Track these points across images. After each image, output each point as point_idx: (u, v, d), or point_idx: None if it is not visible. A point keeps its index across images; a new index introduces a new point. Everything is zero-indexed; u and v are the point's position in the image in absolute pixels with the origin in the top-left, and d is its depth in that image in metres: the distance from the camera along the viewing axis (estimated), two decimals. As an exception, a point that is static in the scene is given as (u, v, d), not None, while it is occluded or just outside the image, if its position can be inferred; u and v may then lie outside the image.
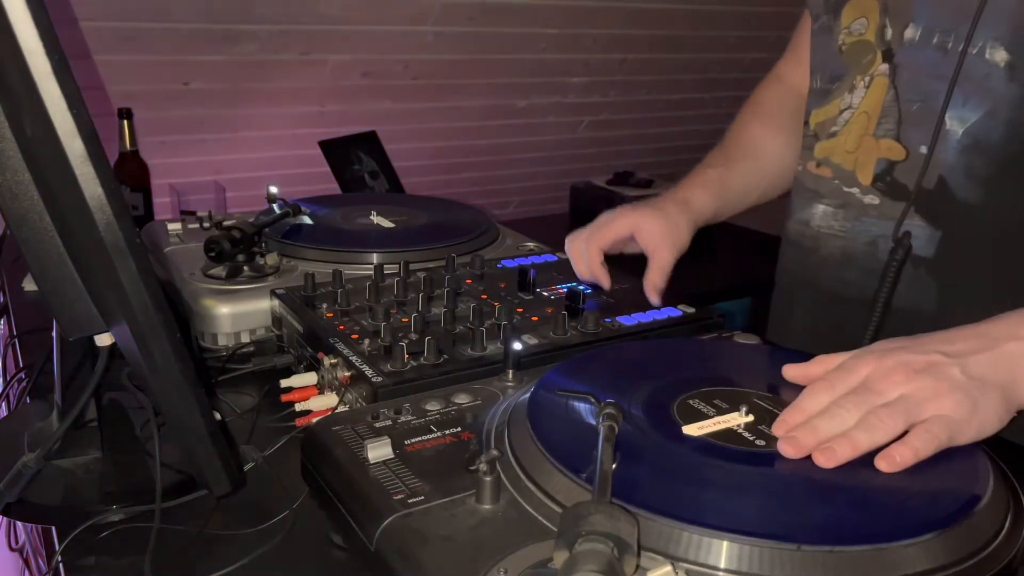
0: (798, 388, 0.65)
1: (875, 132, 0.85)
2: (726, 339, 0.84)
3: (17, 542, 0.85)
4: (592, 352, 0.77)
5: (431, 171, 2.45)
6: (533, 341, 0.82)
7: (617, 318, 0.88)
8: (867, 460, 0.56)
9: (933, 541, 0.49)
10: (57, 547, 0.63)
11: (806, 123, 0.96)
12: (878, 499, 0.53)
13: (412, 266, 0.99)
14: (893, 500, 0.53)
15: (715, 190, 1.01)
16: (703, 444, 0.58)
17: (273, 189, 1.17)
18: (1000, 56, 0.75)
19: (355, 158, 1.91)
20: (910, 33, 0.81)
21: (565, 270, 1.04)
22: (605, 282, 0.94)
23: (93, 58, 1.77)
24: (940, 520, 0.50)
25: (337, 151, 1.89)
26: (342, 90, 2.15)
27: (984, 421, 0.58)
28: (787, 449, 0.56)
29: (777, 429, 0.59)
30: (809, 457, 0.56)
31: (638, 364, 0.73)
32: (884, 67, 0.84)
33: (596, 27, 2.33)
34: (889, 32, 0.83)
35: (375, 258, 1.05)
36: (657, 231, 0.93)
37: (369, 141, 1.96)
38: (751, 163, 1.04)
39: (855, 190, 0.87)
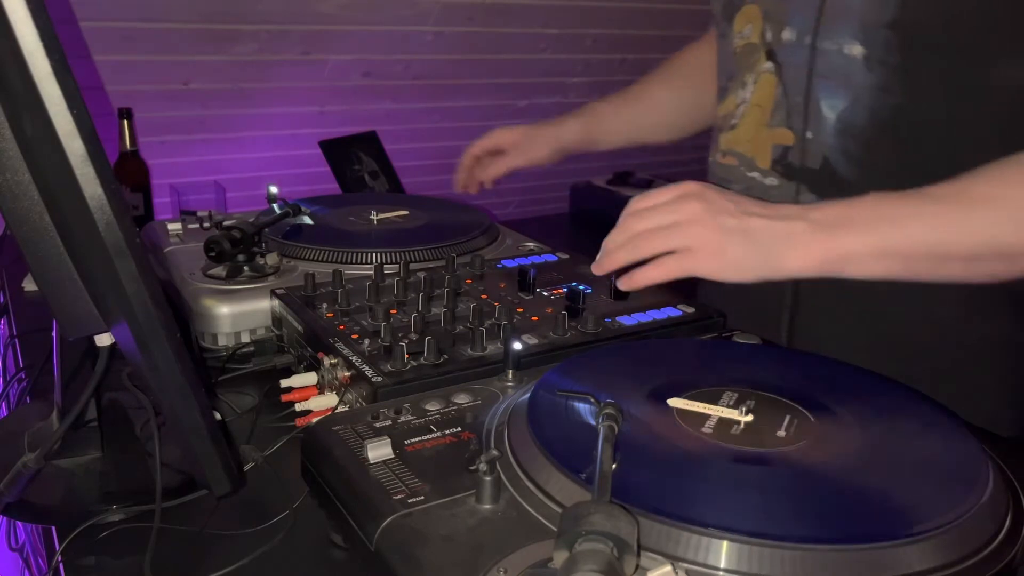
0: (798, 388, 0.65)
1: (770, 122, 0.96)
2: (726, 339, 0.84)
3: (17, 542, 0.85)
4: (592, 352, 0.77)
5: (431, 171, 2.45)
6: (533, 341, 0.82)
7: (617, 318, 0.88)
8: (868, 460, 0.56)
9: (933, 541, 0.49)
10: (57, 547, 0.63)
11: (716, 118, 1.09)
12: (878, 499, 0.53)
13: (412, 266, 0.99)
14: (893, 500, 0.53)
15: (586, 119, 1.24)
16: (703, 444, 0.58)
17: (273, 189, 1.17)
18: (857, 51, 0.86)
19: (355, 158, 1.91)
20: (787, 35, 0.92)
21: (565, 270, 1.04)
22: (473, 186, 1.16)
23: (93, 58, 1.77)
24: (940, 520, 0.50)
25: (337, 151, 1.89)
26: (342, 90, 2.15)
27: (726, 268, 0.76)
28: (595, 268, 0.82)
29: (601, 252, 0.82)
30: (807, 457, 0.57)
31: (638, 364, 0.73)
32: (769, 65, 0.95)
33: (596, 27, 2.33)
34: (770, 35, 0.95)
35: (375, 258, 1.05)
36: (511, 139, 1.19)
37: (369, 141, 1.96)
38: (634, 107, 1.26)
39: (756, 174, 0.98)
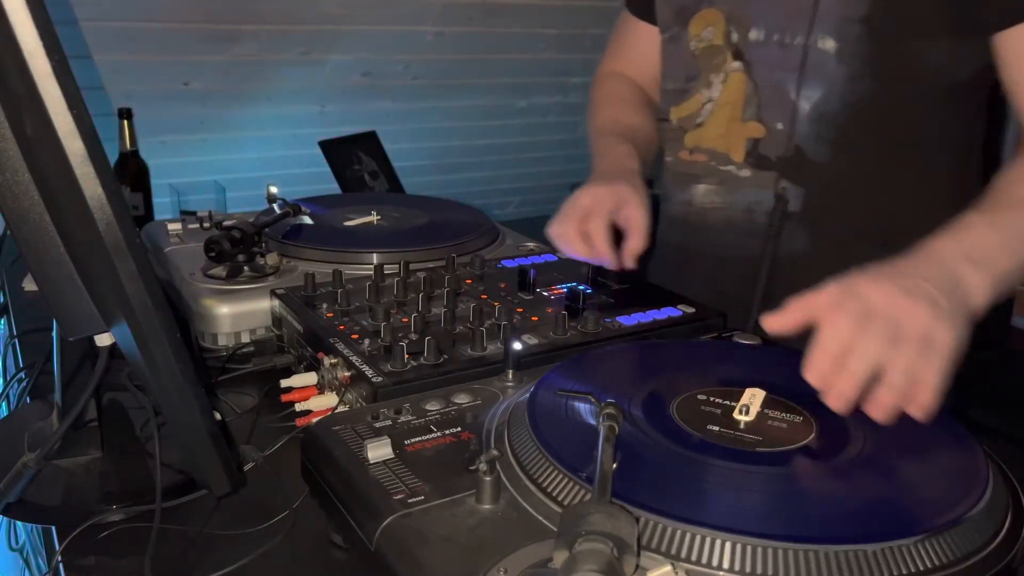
0: (798, 388, 0.65)
1: (743, 117, 1.00)
2: (726, 339, 0.84)
3: (17, 542, 0.85)
4: (592, 352, 0.77)
5: (431, 171, 2.45)
6: (533, 341, 0.82)
7: (617, 318, 0.88)
8: (869, 460, 0.56)
9: (933, 541, 0.49)
10: (57, 547, 0.63)
11: (666, 120, 1.11)
12: (878, 499, 0.53)
13: (412, 266, 0.99)
14: (893, 499, 0.53)
15: (638, 160, 1.12)
16: (703, 444, 0.58)
17: (273, 189, 1.17)
18: (830, 44, 0.92)
19: (355, 158, 1.91)
20: (754, 35, 0.98)
21: (565, 270, 1.04)
22: (614, 260, 0.95)
23: (93, 58, 1.77)
24: (940, 520, 0.50)
25: (337, 151, 1.89)
26: (342, 90, 2.15)
27: (963, 338, 0.66)
28: (835, 404, 0.60)
29: (810, 375, 0.62)
30: (807, 457, 0.56)
31: (638, 364, 0.73)
32: (737, 64, 1.00)
33: (596, 27, 2.33)
34: (735, 36, 0.99)
35: (375, 258, 1.05)
36: (638, 201, 1.01)
37: (369, 141, 1.96)
38: (643, 139, 1.18)
39: (731, 168, 1.02)
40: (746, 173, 1.01)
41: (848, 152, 0.96)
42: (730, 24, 1.00)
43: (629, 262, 0.96)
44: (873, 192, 0.98)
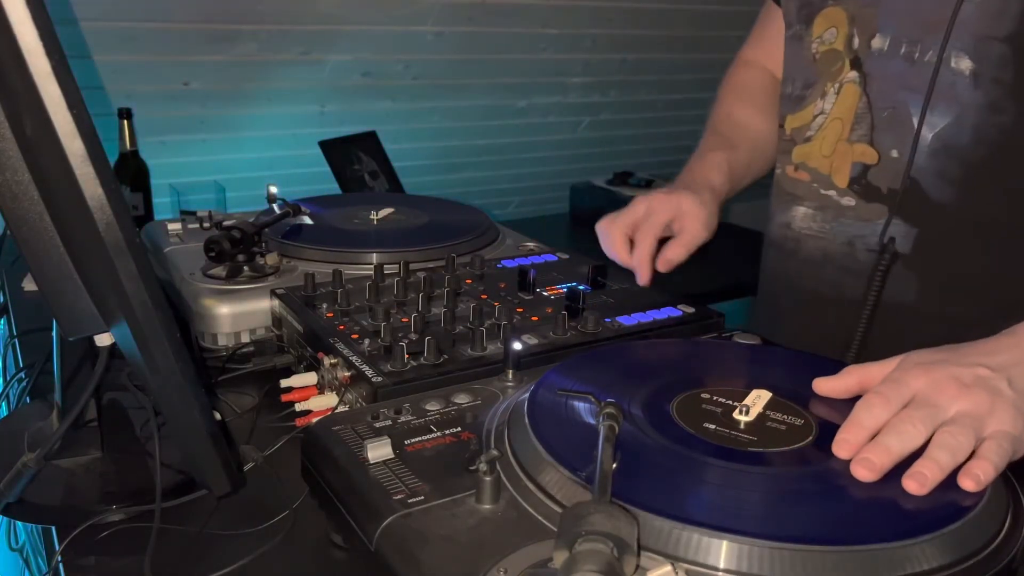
0: (799, 389, 0.65)
1: (849, 137, 0.89)
2: (726, 339, 0.84)
3: (17, 542, 0.85)
4: (592, 352, 0.77)
5: (431, 171, 2.45)
6: (533, 341, 0.82)
7: (617, 318, 0.88)
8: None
9: (933, 541, 0.49)
10: (57, 547, 0.63)
11: (781, 126, 1.00)
12: (878, 499, 0.53)
13: (412, 266, 0.99)
14: (893, 500, 0.53)
15: (727, 174, 1.03)
16: (703, 444, 0.58)
17: (273, 189, 1.17)
18: (965, 65, 0.79)
19: (355, 158, 1.91)
20: (877, 43, 0.86)
21: (565, 270, 1.04)
22: (646, 275, 0.94)
23: (93, 58, 1.77)
24: (940, 520, 0.50)
25: (337, 151, 1.89)
26: (342, 90, 2.15)
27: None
28: (863, 473, 0.54)
29: (840, 449, 0.57)
30: (808, 457, 0.56)
31: (638, 364, 0.73)
32: (853, 74, 0.88)
33: (596, 27, 2.33)
34: (856, 41, 0.88)
35: (375, 258, 1.05)
36: (699, 216, 0.95)
37: (369, 141, 1.96)
38: (750, 145, 1.08)
39: (832, 192, 0.91)
40: (849, 202, 0.90)
41: (976, 195, 0.82)
42: (853, 27, 0.88)
43: (661, 265, 0.93)
44: (999, 246, 0.84)
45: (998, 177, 0.81)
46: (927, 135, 0.83)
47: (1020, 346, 0.62)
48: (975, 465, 0.54)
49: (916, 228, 0.85)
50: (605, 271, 0.96)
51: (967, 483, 0.54)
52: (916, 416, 0.57)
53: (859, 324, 0.85)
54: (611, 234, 0.96)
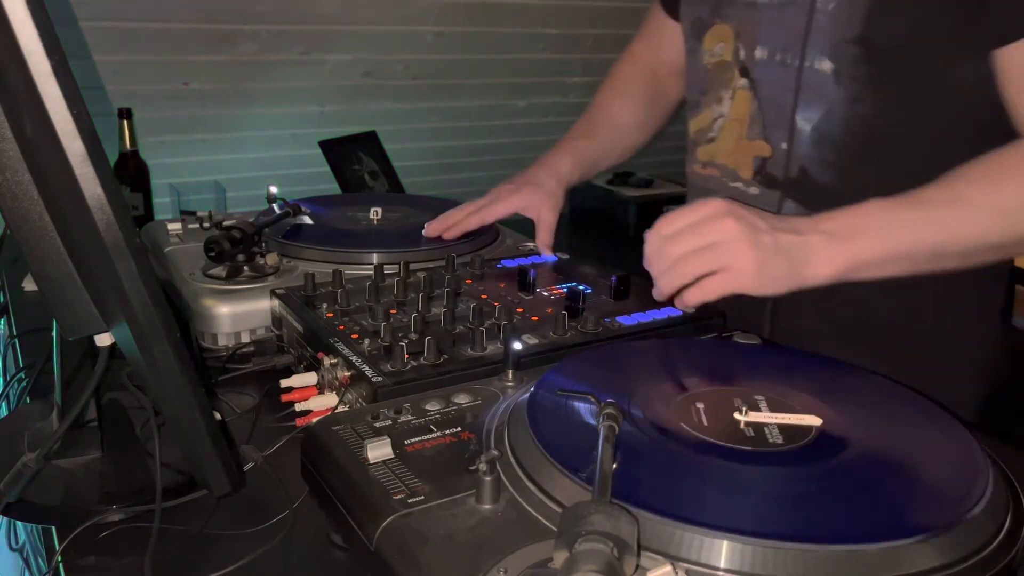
0: (798, 389, 0.65)
1: (748, 135, 1.01)
2: (726, 339, 0.84)
3: (17, 542, 0.85)
4: (592, 352, 0.77)
5: (431, 171, 2.45)
6: (533, 341, 0.82)
7: (617, 318, 0.88)
8: (869, 460, 0.56)
9: (933, 541, 0.49)
10: (57, 547, 0.63)
11: (688, 129, 1.12)
12: (878, 498, 0.53)
13: (412, 266, 0.99)
14: (893, 499, 0.53)
15: (579, 158, 1.22)
16: (703, 444, 0.58)
17: (273, 189, 1.17)
18: (826, 66, 0.91)
19: (355, 158, 1.91)
20: (759, 53, 0.98)
21: (565, 270, 1.04)
22: (454, 233, 1.13)
23: (93, 58, 1.77)
24: (940, 520, 0.50)
25: (337, 151, 1.89)
26: (342, 90, 2.15)
27: (766, 284, 0.79)
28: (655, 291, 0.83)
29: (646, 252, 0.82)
30: (808, 457, 0.57)
31: (638, 364, 0.73)
32: (743, 82, 1.00)
33: (596, 27, 2.33)
34: (743, 53, 1.00)
35: (375, 258, 1.05)
36: (538, 202, 1.15)
37: (369, 141, 1.96)
38: (609, 134, 1.26)
39: (740, 184, 1.03)
40: (755, 191, 1.01)
41: (855, 177, 0.93)
42: (738, 41, 1.00)
43: (545, 251, 1.13)
44: None
45: (868, 160, 0.93)
46: (806, 128, 0.95)
47: (798, 223, 0.81)
48: (685, 293, 0.81)
49: (807, 209, 0.96)
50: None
51: (678, 303, 0.84)
52: (681, 237, 0.80)
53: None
54: (452, 212, 1.15)
